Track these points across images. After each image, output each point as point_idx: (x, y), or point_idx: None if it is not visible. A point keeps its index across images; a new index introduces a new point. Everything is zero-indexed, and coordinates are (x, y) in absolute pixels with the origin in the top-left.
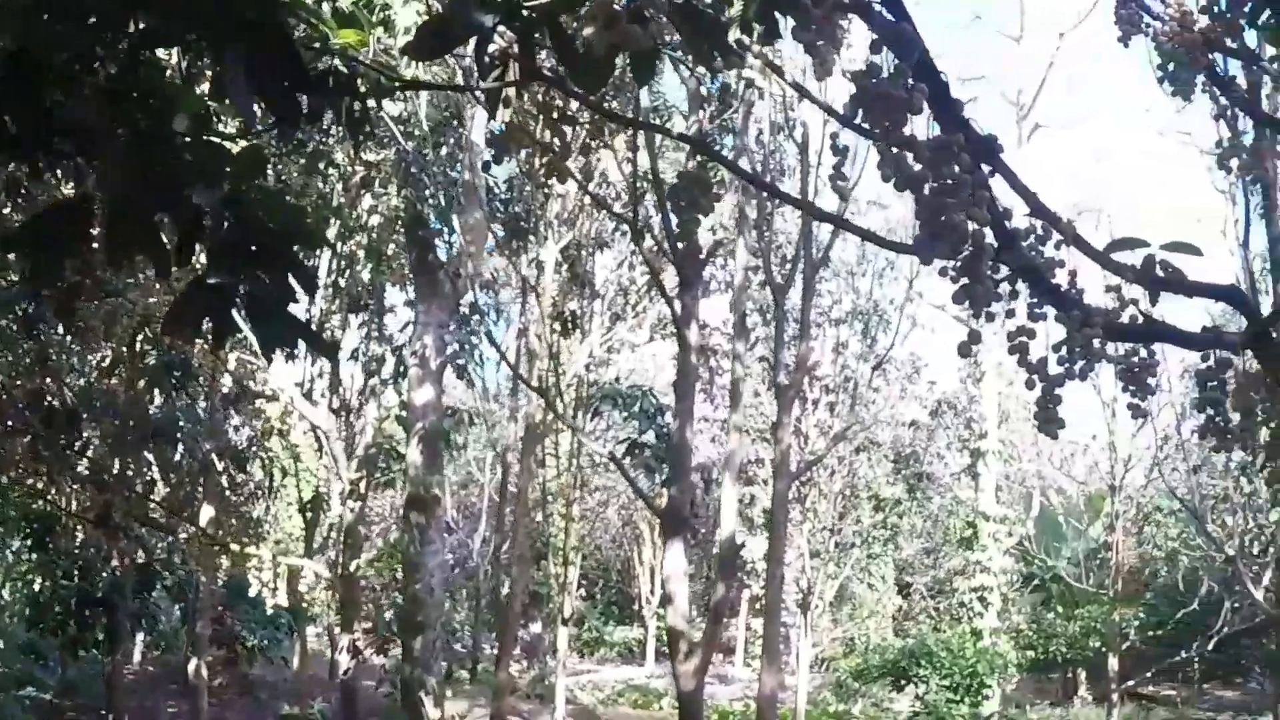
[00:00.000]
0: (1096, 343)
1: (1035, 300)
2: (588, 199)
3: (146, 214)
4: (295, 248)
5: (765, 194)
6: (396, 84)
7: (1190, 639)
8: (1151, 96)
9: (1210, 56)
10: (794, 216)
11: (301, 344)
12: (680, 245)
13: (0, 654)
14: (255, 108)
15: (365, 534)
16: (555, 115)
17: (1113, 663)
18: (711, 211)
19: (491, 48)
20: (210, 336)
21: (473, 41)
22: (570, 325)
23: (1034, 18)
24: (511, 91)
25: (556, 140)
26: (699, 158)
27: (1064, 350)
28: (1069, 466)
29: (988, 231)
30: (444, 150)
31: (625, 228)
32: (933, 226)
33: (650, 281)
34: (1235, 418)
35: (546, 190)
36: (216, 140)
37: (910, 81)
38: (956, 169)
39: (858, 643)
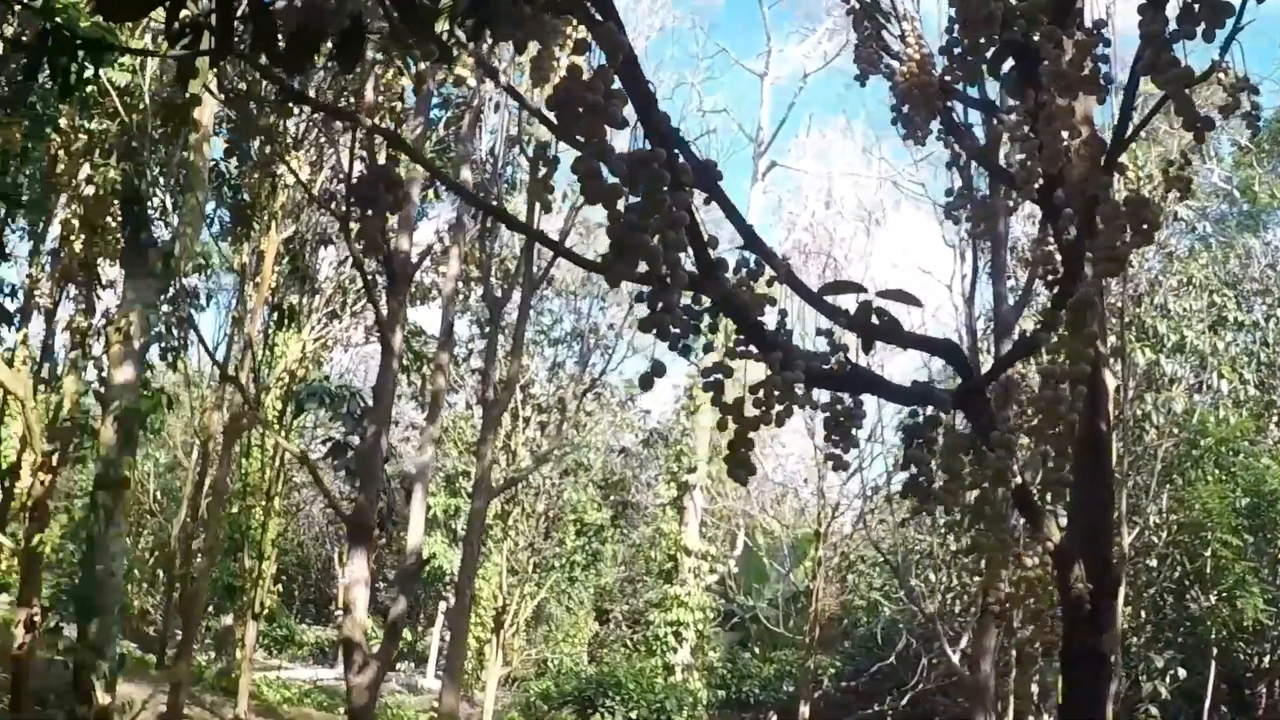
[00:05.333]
0: (798, 387)
1: (741, 338)
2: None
3: None
4: None
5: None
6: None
7: (885, 691)
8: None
9: (947, 104)
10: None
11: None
12: (392, 248)
13: None
14: None
15: (53, 509)
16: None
17: (804, 709)
18: (399, 210)
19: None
20: None
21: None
22: (287, 318)
23: (785, 57)
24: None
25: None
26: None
27: (761, 392)
28: (777, 509)
29: (684, 257)
30: (170, 127)
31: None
32: (622, 246)
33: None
34: (941, 478)
35: (273, 179)
36: None
37: (609, 89)
38: (655, 186)
39: (550, 665)
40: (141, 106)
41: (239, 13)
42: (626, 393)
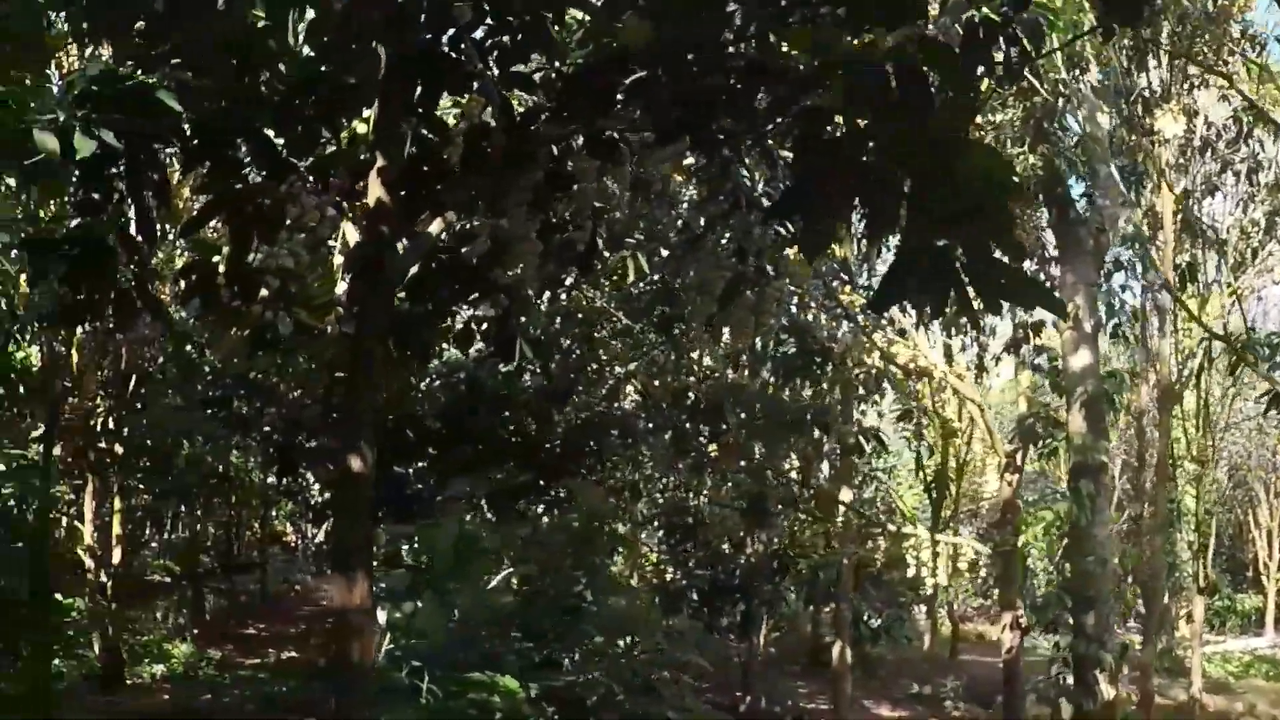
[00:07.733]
0: None
1: None
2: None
3: (843, 198)
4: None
5: None
6: None
7: None
8: None
9: None
10: None
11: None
12: None
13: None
14: None
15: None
16: None
17: None
18: None
19: None
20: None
21: None
22: (1188, 277)
23: None
24: None
25: None
26: None
27: None
28: None
29: None
30: (1059, 103)
31: (1236, 169)
32: None
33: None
34: None
35: (1153, 137)
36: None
37: None
38: None
39: None
40: (1045, 87)
41: None
42: None
